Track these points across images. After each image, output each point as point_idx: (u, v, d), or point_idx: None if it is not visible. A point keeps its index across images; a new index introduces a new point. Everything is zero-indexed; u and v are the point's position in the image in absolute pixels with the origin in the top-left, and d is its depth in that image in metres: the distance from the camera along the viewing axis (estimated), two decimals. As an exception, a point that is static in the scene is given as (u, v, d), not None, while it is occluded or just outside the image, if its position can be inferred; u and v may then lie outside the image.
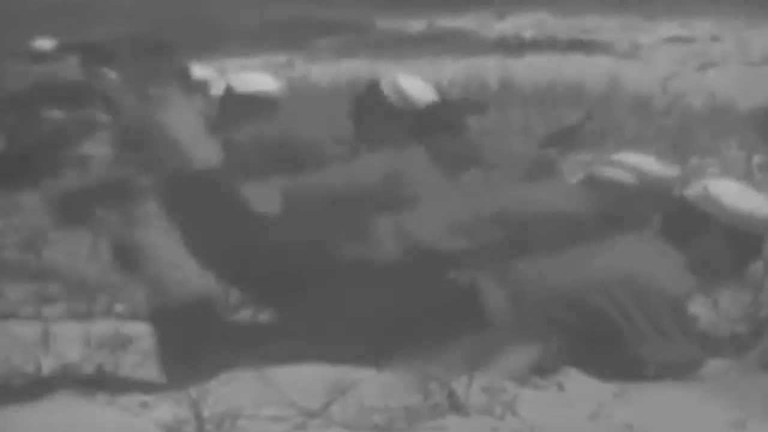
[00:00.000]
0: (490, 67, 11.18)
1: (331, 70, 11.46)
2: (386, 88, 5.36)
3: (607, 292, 3.58)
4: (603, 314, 3.56)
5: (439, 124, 4.95)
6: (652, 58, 12.78)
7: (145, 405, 2.99)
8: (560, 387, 3.41)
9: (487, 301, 3.54)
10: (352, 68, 11.33)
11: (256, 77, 6.16)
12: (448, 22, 15.95)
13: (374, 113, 5.34)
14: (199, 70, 7.11)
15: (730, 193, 3.79)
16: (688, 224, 3.76)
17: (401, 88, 5.37)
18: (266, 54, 13.36)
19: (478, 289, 3.58)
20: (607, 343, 3.56)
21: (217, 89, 6.42)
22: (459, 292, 3.60)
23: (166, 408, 2.97)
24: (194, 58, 12.38)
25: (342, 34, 15.32)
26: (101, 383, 3.08)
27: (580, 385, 3.44)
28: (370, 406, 3.08)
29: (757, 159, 6.70)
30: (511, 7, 16.58)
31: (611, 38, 14.18)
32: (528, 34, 14.84)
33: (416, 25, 15.93)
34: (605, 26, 15.13)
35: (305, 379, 3.20)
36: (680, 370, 3.54)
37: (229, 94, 5.98)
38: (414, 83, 5.44)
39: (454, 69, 11.46)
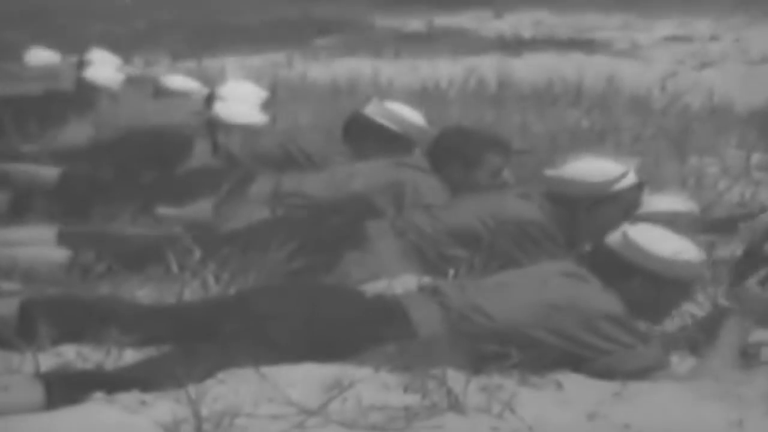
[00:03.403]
0: (488, 66, 11.17)
1: (330, 69, 11.45)
2: (374, 113, 5.37)
3: (542, 325, 3.51)
4: (546, 343, 3.51)
5: (454, 154, 4.91)
6: (650, 57, 12.78)
7: (143, 403, 2.99)
8: (558, 386, 3.41)
9: (414, 315, 3.51)
10: (351, 67, 11.32)
11: (244, 106, 6.04)
12: (446, 20, 15.95)
13: (365, 138, 5.35)
14: (177, 81, 7.09)
15: (651, 238, 3.65)
16: (613, 270, 3.64)
17: (392, 110, 5.38)
18: (265, 52, 13.35)
19: (404, 304, 3.55)
20: (567, 360, 3.54)
21: (198, 101, 6.40)
22: (385, 305, 3.59)
23: (164, 406, 2.97)
24: (193, 56, 12.41)
25: (341, 32, 15.31)
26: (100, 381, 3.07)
27: (578, 385, 3.44)
28: (368, 405, 3.08)
29: (755, 158, 6.69)
30: (509, 6, 16.58)
31: (610, 37, 14.18)
32: (526, 32, 14.83)
33: (415, 23, 15.93)
34: (604, 25, 15.13)
35: (304, 378, 3.20)
36: (649, 373, 3.54)
37: (214, 119, 5.92)
38: (402, 107, 5.47)
39: (452, 67, 11.45)
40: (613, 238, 3.71)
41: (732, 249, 4.56)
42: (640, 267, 3.63)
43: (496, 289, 3.64)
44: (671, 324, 3.90)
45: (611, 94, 9.24)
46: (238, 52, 13.26)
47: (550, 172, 4.40)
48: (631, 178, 4.34)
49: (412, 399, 3.16)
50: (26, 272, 3.95)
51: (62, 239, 4.26)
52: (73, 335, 3.38)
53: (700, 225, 4.65)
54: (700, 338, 3.73)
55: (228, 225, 4.75)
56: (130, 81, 7.34)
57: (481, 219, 4.37)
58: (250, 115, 5.91)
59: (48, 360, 3.25)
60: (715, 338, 3.63)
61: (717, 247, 4.51)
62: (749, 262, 3.96)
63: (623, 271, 3.64)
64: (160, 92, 7.04)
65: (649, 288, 3.64)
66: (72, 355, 3.32)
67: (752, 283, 3.71)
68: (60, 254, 4.14)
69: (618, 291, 3.61)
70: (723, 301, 3.90)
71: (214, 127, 5.86)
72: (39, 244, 4.23)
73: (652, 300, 3.66)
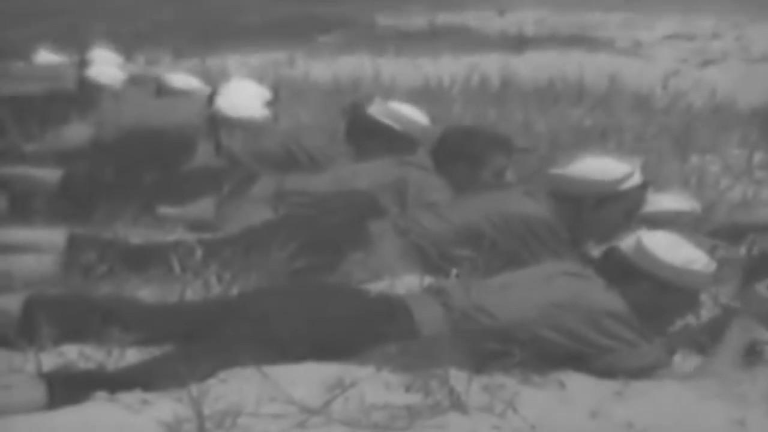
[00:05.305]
0: (490, 64, 11.17)
1: (332, 67, 11.44)
2: (378, 113, 5.36)
3: (545, 323, 3.51)
4: (549, 341, 3.51)
5: (458, 154, 4.91)
6: (652, 56, 12.79)
7: (145, 403, 2.99)
8: (561, 385, 3.41)
9: (417, 315, 3.51)
10: (353, 65, 11.32)
11: (246, 101, 6.03)
12: (449, 18, 15.96)
13: (368, 137, 5.34)
14: (180, 80, 7.09)
15: (664, 246, 3.65)
16: (623, 274, 3.64)
17: (395, 109, 5.38)
18: (267, 50, 13.36)
19: (407, 304, 3.56)
20: (569, 359, 3.54)
21: (200, 99, 6.40)
22: (388, 304, 3.59)
23: (166, 406, 2.97)
24: (196, 55, 12.42)
25: (343, 30, 15.32)
26: (102, 381, 3.08)
27: (580, 384, 3.44)
28: (370, 404, 3.08)
29: (757, 157, 6.68)
30: (511, 4, 16.59)
31: (612, 35, 14.19)
32: (529, 30, 14.84)
33: (417, 22, 15.93)
34: (606, 23, 15.13)
35: (306, 377, 3.20)
36: (651, 371, 3.54)
37: (216, 115, 5.92)
38: (405, 106, 5.46)
39: (455, 65, 11.44)
40: (627, 242, 3.70)
41: (735, 251, 4.56)
42: (649, 273, 3.63)
43: (499, 289, 3.64)
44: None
45: (613, 93, 9.23)
46: (241, 51, 13.27)
47: (555, 171, 4.39)
48: (636, 178, 4.33)
49: (415, 398, 3.16)
50: (24, 282, 3.92)
51: (72, 242, 4.24)
52: (75, 334, 3.38)
53: (704, 229, 4.63)
54: (704, 338, 3.73)
55: (230, 225, 4.75)
56: (133, 80, 7.34)
57: (487, 216, 4.36)
58: (252, 109, 5.90)
59: (50, 359, 3.25)
60: (721, 338, 3.63)
61: (719, 248, 4.51)
62: (760, 266, 3.94)
63: (632, 276, 3.64)
64: (163, 91, 7.04)
65: (657, 294, 3.63)
66: (74, 354, 3.32)
67: (761, 287, 3.71)
68: (52, 259, 4.13)
69: (625, 295, 3.61)
70: (730, 303, 3.89)
71: (216, 126, 5.86)
72: (44, 246, 4.22)
73: (657, 306, 3.65)
